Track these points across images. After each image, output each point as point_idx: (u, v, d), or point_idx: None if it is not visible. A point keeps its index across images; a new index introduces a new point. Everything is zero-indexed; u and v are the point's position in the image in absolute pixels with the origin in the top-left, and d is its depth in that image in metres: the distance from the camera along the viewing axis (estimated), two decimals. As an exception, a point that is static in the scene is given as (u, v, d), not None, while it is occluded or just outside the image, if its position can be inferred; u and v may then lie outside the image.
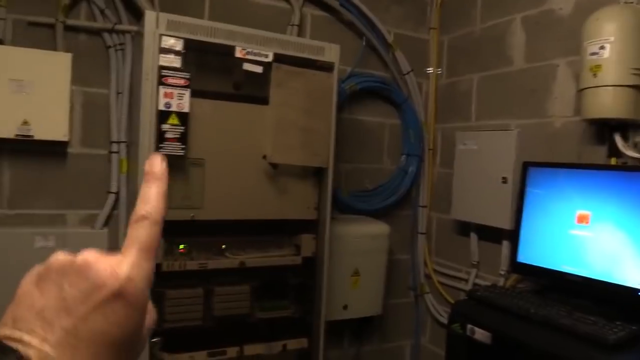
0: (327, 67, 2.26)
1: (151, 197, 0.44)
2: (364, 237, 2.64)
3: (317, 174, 2.32)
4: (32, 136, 2.07)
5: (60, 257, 0.39)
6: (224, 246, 2.21)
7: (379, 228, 2.72)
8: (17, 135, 2.06)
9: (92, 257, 0.39)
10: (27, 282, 0.39)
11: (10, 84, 2.05)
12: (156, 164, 0.46)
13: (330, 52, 2.27)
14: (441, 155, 3.05)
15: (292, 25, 2.66)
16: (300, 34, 2.68)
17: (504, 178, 2.44)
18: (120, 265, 0.39)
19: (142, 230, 0.42)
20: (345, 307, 2.63)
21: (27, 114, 2.06)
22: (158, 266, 2.00)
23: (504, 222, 2.43)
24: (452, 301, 2.81)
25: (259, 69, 2.08)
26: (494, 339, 1.96)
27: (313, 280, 2.37)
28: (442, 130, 3.06)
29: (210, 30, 2.03)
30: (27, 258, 2.06)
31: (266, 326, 2.32)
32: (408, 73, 2.98)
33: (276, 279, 2.33)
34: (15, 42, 2.16)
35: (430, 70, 3.08)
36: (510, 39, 2.60)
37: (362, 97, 2.88)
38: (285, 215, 2.25)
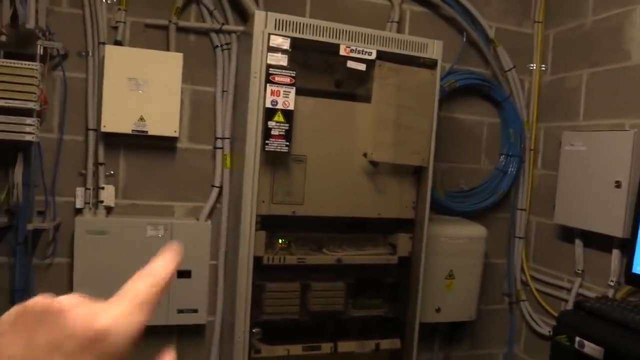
0: (429, 64, 2.21)
1: (160, 267, 0.42)
2: (460, 238, 2.57)
3: (416, 172, 2.29)
4: (146, 132, 2.21)
5: (39, 300, 0.36)
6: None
7: (476, 230, 2.63)
8: (133, 130, 2.20)
9: (70, 304, 0.35)
10: (4, 322, 0.35)
11: (128, 82, 2.19)
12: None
13: (434, 49, 2.22)
14: (543, 156, 2.90)
15: (392, 21, 2.63)
16: (399, 30, 2.65)
17: (617, 182, 2.26)
18: (100, 315, 0.36)
19: (142, 285, 0.40)
20: (438, 310, 2.57)
21: (143, 111, 2.20)
22: (259, 259, 2.07)
23: (616, 230, 2.26)
24: (552, 310, 2.67)
25: (362, 67, 2.08)
26: (607, 354, 1.83)
27: (408, 280, 2.34)
28: (545, 130, 2.90)
29: (316, 28, 2.05)
30: (140, 246, 2.22)
31: (359, 324, 2.33)
32: (510, 70, 2.85)
33: (371, 277, 2.32)
34: (132, 43, 2.31)
35: (534, 66, 2.93)
36: (628, 31, 2.40)
37: (460, 94, 2.80)
38: (383, 213, 2.24)
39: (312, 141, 2.09)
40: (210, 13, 2.37)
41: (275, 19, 2.00)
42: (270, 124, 1.96)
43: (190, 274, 2.30)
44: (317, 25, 2.06)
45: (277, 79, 1.95)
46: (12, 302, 2.14)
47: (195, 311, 2.35)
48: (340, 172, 2.15)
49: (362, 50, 2.09)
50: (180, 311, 2.32)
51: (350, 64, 2.08)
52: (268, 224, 2.09)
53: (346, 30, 2.11)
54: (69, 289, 2.23)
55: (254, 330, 2.09)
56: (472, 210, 2.81)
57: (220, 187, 2.40)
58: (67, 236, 2.26)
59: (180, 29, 2.35)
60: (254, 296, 2.08)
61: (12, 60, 2.02)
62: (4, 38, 2.02)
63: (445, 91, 2.61)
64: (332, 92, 2.20)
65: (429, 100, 2.22)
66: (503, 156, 2.90)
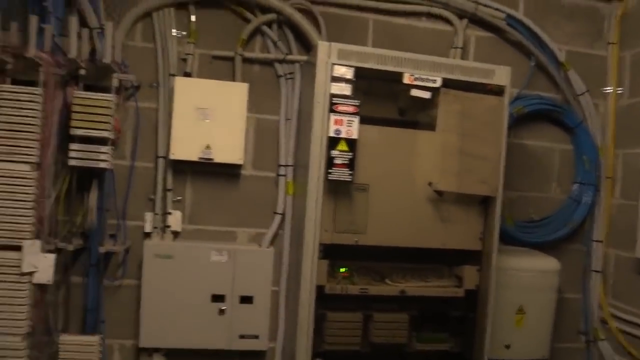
0: (496, 91, 2.15)
1: None
2: (530, 271, 2.43)
3: (483, 202, 2.21)
4: (212, 159, 2.27)
5: None
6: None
7: (548, 263, 2.49)
8: (200, 158, 2.27)
9: None
10: None
11: (196, 111, 2.27)
12: None
13: (501, 75, 2.16)
14: (622, 184, 2.72)
15: (456, 48, 2.59)
16: (463, 56, 2.60)
17: None
18: None
19: None
20: (507, 347, 2.43)
21: (209, 139, 2.27)
22: (321, 288, 2.05)
23: None
24: (636, 353, 2.46)
25: (426, 95, 2.05)
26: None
27: (475, 314, 2.24)
28: (622, 157, 2.72)
29: (379, 57, 2.05)
30: (204, 270, 2.26)
31: (423, 358, 2.24)
32: (583, 94, 2.71)
33: (435, 310, 2.24)
34: (200, 74, 2.40)
35: (609, 89, 2.78)
36: None
37: (529, 120, 2.69)
38: (448, 244, 2.17)
39: (375, 170, 2.07)
40: (275, 44, 2.43)
41: (339, 49, 2.02)
42: (334, 152, 1.96)
43: (252, 299, 2.32)
44: (380, 55, 2.06)
45: (340, 108, 1.96)
46: (85, 321, 2.23)
47: (257, 337, 2.35)
48: (403, 201, 2.12)
49: (427, 78, 2.06)
50: (241, 336, 2.33)
51: (415, 92, 2.06)
52: (330, 252, 2.07)
53: (409, 59, 2.09)
54: (136, 310, 2.30)
55: (315, 360, 2.07)
56: (542, 241, 2.67)
57: (283, 214, 2.42)
58: (136, 259, 2.34)
59: (246, 60, 2.41)
60: (316, 325, 2.06)
61: (90, 93, 2.14)
62: (83, 72, 2.16)
63: (513, 117, 2.52)
64: (396, 120, 2.19)
65: (497, 127, 2.15)
66: (577, 185, 2.74)
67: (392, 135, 2.11)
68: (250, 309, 2.32)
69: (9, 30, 2.14)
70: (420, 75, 2.05)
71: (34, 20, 2.10)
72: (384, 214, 2.09)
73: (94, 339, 2.18)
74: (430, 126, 2.12)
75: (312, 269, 2.02)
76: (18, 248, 2.06)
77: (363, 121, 2.01)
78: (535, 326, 2.46)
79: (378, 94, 2.17)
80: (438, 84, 2.06)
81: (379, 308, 2.17)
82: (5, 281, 2.06)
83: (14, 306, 2.06)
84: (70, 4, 2.24)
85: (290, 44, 2.44)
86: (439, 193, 2.12)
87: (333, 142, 1.96)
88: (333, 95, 1.96)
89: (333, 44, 2.02)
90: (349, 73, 1.97)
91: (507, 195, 2.59)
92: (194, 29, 2.37)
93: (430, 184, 2.12)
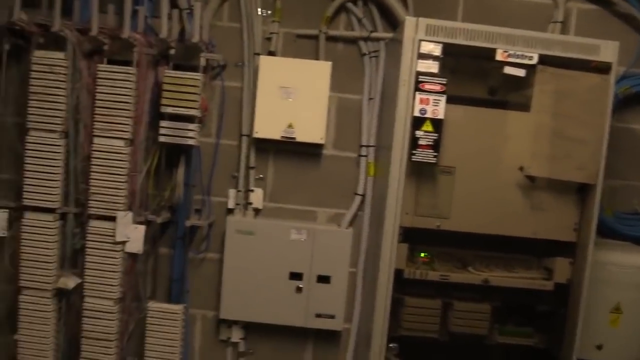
0: (601, 69, 1.96)
1: None
2: (631, 267, 2.22)
3: (580, 190, 2.04)
4: (294, 138, 2.28)
5: None
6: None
7: (652, 259, 2.26)
8: (282, 137, 2.29)
9: None
10: None
11: (279, 90, 2.28)
12: None
13: (607, 51, 1.96)
14: None
15: (555, 22, 2.39)
16: (563, 31, 2.39)
17: None
18: None
19: None
20: (599, 347, 2.25)
21: (292, 118, 2.27)
22: (400, 272, 2.00)
23: None
24: None
25: (521, 73, 1.92)
26: None
27: (565, 310, 2.09)
28: None
29: (469, 33, 1.94)
30: (283, 248, 2.29)
31: (504, 352, 2.15)
32: None
33: (521, 302, 2.12)
34: (284, 53, 2.40)
35: None
36: None
37: (636, 102, 2.44)
38: (539, 233, 2.04)
39: (462, 152, 1.98)
40: (359, 21, 2.37)
41: (427, 25, 1.92)
42: (418, 133, 1.89)
43: (330, 279, 2.32)
44: (471, 30, 1.94)
45: (426, 86, 1.88)
46: (170, 290, 2.35)
47: (333, 317, 2.35)
48: (492, 186, 2.01)
49: (522, 55, 1.92)
50: (317, 315, 2.35)
51: (508, 70, 1.92)
52: (410, 236, 2.02)
53: (503, 34, 1.95)
54: (218, 282, 2.39)
55: (390, 345, 2.03)
56: (647, 235, 2.44)
57: (363, 196, 2.38)
58: (219, 234, 2.42)
59: (330, 38, 2.38)
60: (393, 309, 2.02)
61: (179, 72, 2.22)
62: (173, 51, 2.23)
63: (618, 98, 2.29)
64: (486, 100, 2.07)
65: (599, 109, 1.97)
66: (689, 174, 2.47)
67: (481, 115, 2.00)
68: (327, 288, 2.32)
69: (106, 12, 2.26)
70: (514, 51, 1.91)
71: (128, 3, 2.20)
72: (469, 198, 2.00)
73: (179, 307, 2.29)
74: (524, 106, 1.98)
75: (391, 252, 1.97)
76: (112, 219, 2.20)
77: (450, 100, 1.91)
78: (633, 327, 2.26)
79: (467, 71, 2.06)
80: (534, 60, 1.91)
81: (460, 296, 2.09)
82: (101, 249, 2.22)
83: (107, 272, 2.22)
84: (162, -15, 2.32)
85: (375, 21, 2.37)
86: (531, 178, 1.99)
87: (418, 122, 1.89)
88: (419, 73, 1.88)
89: (420, 19, 1.93)
90: (436, 50, 1.88)
91: (607, 184, 2.37)
92: (279, 7, 2.37)
93: (521, 168, 1.99)
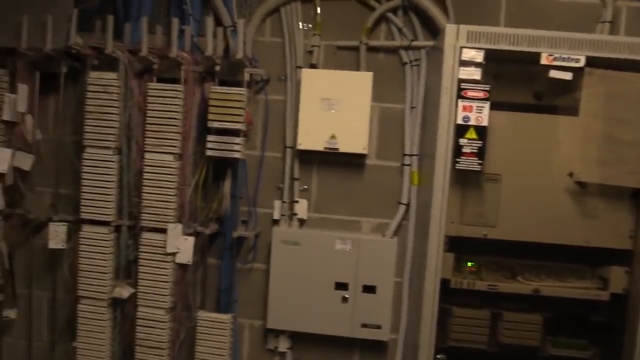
0: (654, 69, 1.89)
1: None
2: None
3: (635, 195, 1.96)
4: (337, 149, 2.30)
5: None
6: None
7: None
8: (325, 148, 2.31)
9: None
10: None
11: (321, 102, 2.31)
12: None
13: (661, 50, 1.89)
14: None
15: (603, 22, 2.31)
16: (612, 31, 2.31)
17: None
18: None
19: None
20: (662, 360, 2.15)
21: (334, 129, 2.30)
22: (446, 281, 1.98)
23: None
24: None
25: (567, 76, 1.87)
26: None
27: (622, 321, 2.00)
28: None
29: (512, 37, 1.91)
30: (329, 258, 2.30)
31: (557, 364, 2.08)
32: None
33: (574, 313, 2.05)
34: (325, 66, 2.44)
35: None
36: None
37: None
38: (591, 241, 1.97)
39: (507, 159, 1.95)
40: (400, 30, 2.38)
41: (468, 31, 1.91)
42: (462, 141, 1.87)
43: (375, 289, 2.31)
44: (513, 34, 1.91)
45: (469, 93, 1.86)
46: (219, 300, 2.40)
47: (379, 327, 2.34)
48: (540, 193, 1.96)
49: (568, 58, 1.87)
50: (363, 325, 2.34)
51: (554, 74, 1.88)
52: (456, 245, 1.99)
53: (548, 37, 1.91)
54: (265, 292, 2.43)
55: (438, 357, 2.00)
56: None
57: (407, 205, 2.37)
58: (265, 244, 2.46)
59: (370, 49, 2.40)
60: (440, 320, 1.99)
61: (224, 87, 2.29)
62: (218, 68, 2.31)
63: (674, 99, 2.20)
64: (531, 105, 2.03)
65: (654, 111, 1.89)
66: None
67: (527, 121, 1.96)
68: (373, 298, 2.32)
69: (155, 33, 2.36)
70: (560, 54, 1.86)
71: (175, 23, 2.30)
72: (517, 206, 1.96)
73: (227, 317, 2.34)
74: (572, 110, 1.93)
75: (436, 261, 1.95)
76: (163, 231, 2.28)
77: (494, 107, 1.88)
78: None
79: (511, 77, 2.03)
80: (581, 63, 1.86)
81: (509, 307, 2.04)
82: (153, 260, 2.30)
83: (159, 282, 2.30)
84: (207, 5, 2.41)
85: (415, 30, 2.37)
86: (581, 184, 1.93)
87: (461, 129, 1.87)
88: (461, 81, 1.87)
89: (462, 26, 1.92)
90: (478, 56, 1.86)
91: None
92: (319, 21, 2.41)
93: (570, 174, 1.93)
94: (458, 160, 1.87)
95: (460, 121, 1.87)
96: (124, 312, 2.41)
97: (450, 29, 1.92)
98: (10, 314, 2.55)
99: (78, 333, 2.37)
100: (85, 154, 2.32)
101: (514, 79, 2.04)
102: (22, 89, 2.37)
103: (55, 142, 2.50)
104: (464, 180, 1.96)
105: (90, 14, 2.43)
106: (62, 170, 2.50)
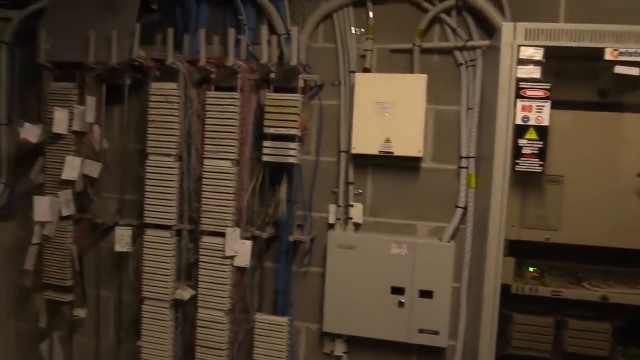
0: None
1: None
2: None
3: None
4: (392, 152, 2.29)
5: None
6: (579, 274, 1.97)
7: None
8: (380, 151, 2.30)
9: None
10: None
11: (375, 106, 2.31)
12: None
13: None
14: None
15: (674, 13, 2.19)
16: (684, 23, 2.18)
17: None
18: None
19: None
20: None
21: (389, 133, 2.29)
22: (506, 287, 1.92)
23: None
24: None
25: (634, 71, 1.77)
26: None
27: (700, 331, 1.88)
28: None
29: (573, 33, 1.84)
30: (384, 262, 2.29)
31: (629, 375, 1.96)
32: None
33: (646, 322, 1.94)
34: (379, 69, 2.43)
35: None
36: None
37: None
38: (665, 245, 1.86)
39: (570, 159, 1.88)
40: (454, 31, 2.34)
41: (525, 29, 1.86)
42: (521, 142, 1.81)
43: (432, 294, 2.28)
44: (575, 30, 1.84)
45: (528, 93, 1.81)
46: (275, 303, 2.44)
47: (436, 333, 2.30)
48: (606, 195, 1.87)
49: (635, 52, 1.78)
50: (420, 331, 2.31)
51: (619, 69, 1.79)
52: (517, 249, 1.93)
53: (612, 31, 1.83)
54: (321, 296, 2.44)
55: (499, 364, 1.95)
56: None
57: (465, 208, 2.32)
58: (321, 248, 2.48)
59: (424, 51, 2.37)
60: (500, 326, 1.94)
61: (279, 94, 2.33)
62: (273, 75, 2.35)
63: None
64: (595, 103, 1.94)
65: None
66: None
67: (591, 120, 1.89)
68: (430, 303, 2.28)
69: (212, 43, 2.44)
70: (626, 49, 1.78)
71: (231, 33, 2.37)
72: (581, 208, 1.88)
73: (284, 320, 2.37)
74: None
75: (496, 266, 1.90)
76: (222, 234, 2.34)
77: (555, 106, 1.82)
78: None
79: (572, 74, 1.95)
80: (650, 58, 1.77)
81: (574, 314, 1.96)
82: (212, 263, 2.37)
83: (218, 285, 2.36)
84: (261, 14, 2.47)
85: (470, 30, 2.33)
86: (652, 186, 1.83)
87: (520, 130, 1.82)
88: (520, 80, 1.81)
89: (518, 23, 1.87)
90: (537, 54, 1.81)
91: None
92: (372, 25, 2.42)
93: (639, 175, 1.83)
94: (517, 161, 1.82)
95: (519, 121, 1.82)
96: (185, 313, 2.49)
97: (506, 27, 1.88)
98: (80, 313, 2.70)
99: (142, 332, 2.48)
100: (148, 161, 2.43)
101: (577, 76, 1.96)
102: (90, 100, 2.51)
103: (121, 151, 2.63)
104: (524, 182, 1.90)
105: (151, 27, 2.55)
106: (127, 177, 2.63)
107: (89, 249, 2.72)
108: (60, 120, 2.49)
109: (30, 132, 2.55)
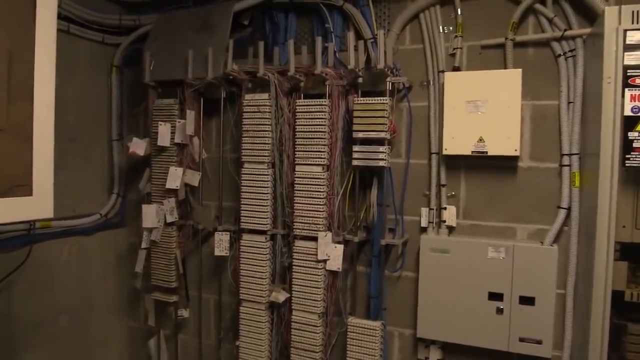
0: None
1: None
2: None
3: None
4: (486, 152, 2.20)
5: None
6: None
7: None
8: (473, 152, 2.22)
9: None
10: None
11: (467, 105, 2.23)
12: None
13: None
14: None
15: None
16: None
17: None
18: None
19: None
20: None
21: (482, 132, 2.20)
22: (619, 294, 1.77)
23: None
24: None
25: None
26: None
27: None
28: None
29: (690, 13, 1.66)
30: (480, 266, 2.20)
31: None
32: None
33: None
34: (469, 67, 2.36)
35: None
36: None
37: None
38: None
39: (691, 152, 1.68)
40: (550, 21, 2.21)
41: (632, 12, 1.71)
42: (632, 135, 1.66)
43: (534, 301, 2.15)
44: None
45: (638, 81, 1.65)
46: (368, 307, 2.43)
47: (539, 342, 2.17)
48: None
49: None
50: (521, 339, 2.19)
51: None
52: (630, 253, 1.77)
53: None
54: (415, 301, 2.40)
55: (613, 378, 1.79)
56: None
57: (568, 209, 2.17)
58: (413, 252, 2.44)
59: (517, 44, 2.26)
60: (612, 337, 1.78)
61: (367, 98, 2.33)
62: (361, 80, 2.36)
63: None
64: None
65: None
66: None
67: None
68: (532, 310, 2.15)
69: (300, 53, 2.51)
70: None
71: (319, 42, 2.41)
72: None
73: (377, 324, 2.36)
74: None
75: (606, 271, 1.76)
76: (314, 239, 2.38)
77: (670, 94, 1.66)
78: None
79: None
80: None
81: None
82: (306, 267, 2.42)
83: (312, 288, 2.40)
84: (347, 21, 2.49)
85: (568, 18, 2.18)
86: None
87: (630, 122, 1.67)
88: (627, 67, 1.67)
89: (624, 6, 1.72)
90: (647, 39, 1.65)
91: None
92: (460, 22, 2.35)
93: None
94: (628, 156, 1.67)
95: (628, 112, 1.67)
96: (280, 315, 2.56)
97: (610, 11, 1.74)
98: (184, 313, 2.87)
99: (240, 333, 2.58)
100: (243, 169, 2.54)
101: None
102: (190, 114, 2.68)
103: (218, 160, 2.77)
104: (636, 179, 1.73)
105: (243, 42, 2.68)
106: (224, 185, 2.76)
107: (191, 253, 2.90)
108: (164, 134, 2.68)
109: (138, 146, 2.77)
